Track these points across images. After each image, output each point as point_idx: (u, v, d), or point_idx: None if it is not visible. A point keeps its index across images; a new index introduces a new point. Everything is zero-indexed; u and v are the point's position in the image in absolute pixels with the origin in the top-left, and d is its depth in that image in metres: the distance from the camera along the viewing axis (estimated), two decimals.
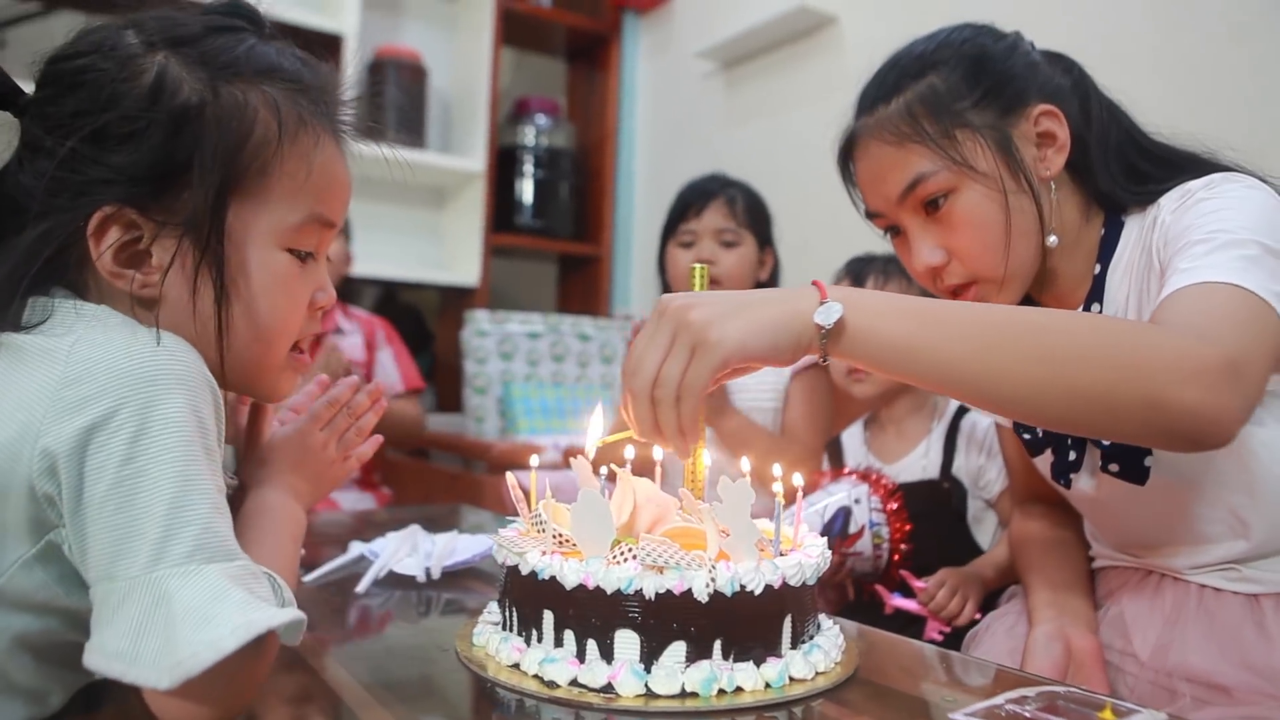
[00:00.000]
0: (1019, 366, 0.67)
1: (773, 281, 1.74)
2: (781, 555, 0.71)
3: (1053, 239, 0.90)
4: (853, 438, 1.55)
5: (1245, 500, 0.85)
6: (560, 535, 0.71)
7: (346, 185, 0.69)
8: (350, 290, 2.58)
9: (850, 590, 1.48)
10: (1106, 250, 0.92)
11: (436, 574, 0.95)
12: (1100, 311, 0.91)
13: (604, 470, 0.74)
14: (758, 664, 0.66)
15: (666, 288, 1.75)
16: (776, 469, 0.81)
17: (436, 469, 2.46)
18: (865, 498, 1.37)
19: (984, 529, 1.40)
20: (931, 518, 1.37)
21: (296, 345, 0.70)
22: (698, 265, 0.78)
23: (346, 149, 0.69)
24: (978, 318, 0.70)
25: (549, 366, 2.57)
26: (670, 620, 0.64)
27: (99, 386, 0.52)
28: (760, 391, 1.66)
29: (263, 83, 0.63)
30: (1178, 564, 0.91)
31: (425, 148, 2.83)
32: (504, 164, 3.00)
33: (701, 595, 0.64)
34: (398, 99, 2.75)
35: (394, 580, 0.96)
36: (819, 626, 0.75)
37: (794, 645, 0.69)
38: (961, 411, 1.44)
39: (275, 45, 0.66)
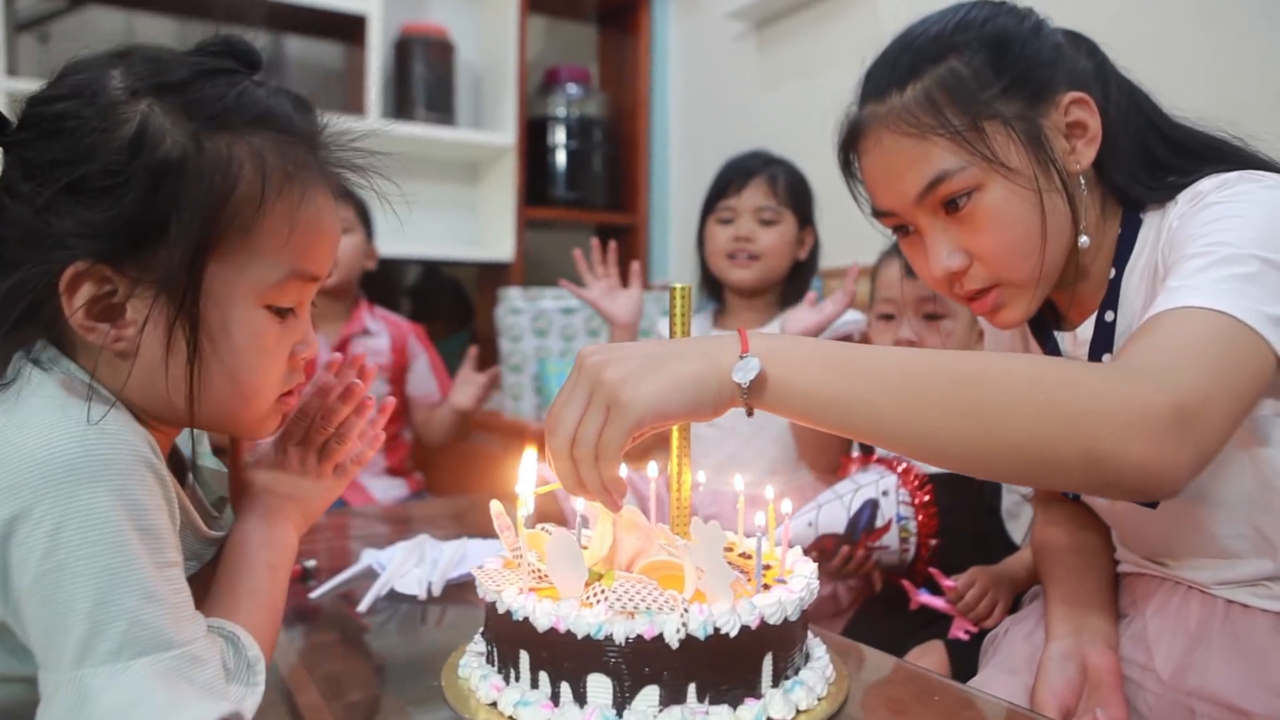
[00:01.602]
0: (948, 422, 0.63)
1: (812, 260, 1.71)
2: (766, 588, 0.69)
3: (1084, 239, 0.84)
4: None
5: (1270, 520, 0.80)
6: (539, 571, 0.70)
7: (334, 235, 0.67)
8: (386, 274, 2.60)
9: (878, 581, 1.45)
10: (1123, 252, 0.85)
11: (437, 591, 0.96)
12: (1115, 319, 0.86)
13: (581, 503, 0.72)
14: (734, 706, 0.65)
15: (704, 262, 1.73)
16: (769, 491, 0.80)
17: (475, 450, 2.48)
18: (894, 489, 1.33)
19: (1019, 524, 1.35)
20: (962, 511, 1.32)
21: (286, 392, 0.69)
22: (678, 286, 0.76)
23: (338, 191, 0.67)
24: (906, 369, 0.65)
25: (584, 342, 2.56)
26: (643, 665, 0.63)
27: (17, 477, 0.51)
28: None
29: (250, 133, 0.61)
30: (1203, 578, 0.86)
31: (456, 124, 2.81)
32: (535, 136, 2.96)
33: (673, 641, 0.62)
34: (426, 76, 2.73)
35: (398, 593, 0.97)
36: (807, 658, 0.73)
37: (775, 684, 0.67)
38: None
39: (268, 87, 0.64)
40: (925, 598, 1.24)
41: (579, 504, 0.75)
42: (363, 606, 0.93)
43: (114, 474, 0.53)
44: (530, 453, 0.74)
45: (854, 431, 0.66)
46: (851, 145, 0.88)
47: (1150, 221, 0.84)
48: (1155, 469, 0.61)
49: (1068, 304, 0.91)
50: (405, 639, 0.88)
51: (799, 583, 0.70)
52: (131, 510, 0.54)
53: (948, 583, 1.21)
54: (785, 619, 0.67)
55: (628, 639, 0.62)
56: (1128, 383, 0.62)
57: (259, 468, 0.76)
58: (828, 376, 0.64)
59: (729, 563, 0.76)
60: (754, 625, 0.64)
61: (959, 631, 1.18)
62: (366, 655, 0.86)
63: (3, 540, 0.51)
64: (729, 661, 0.64)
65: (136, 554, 0.53)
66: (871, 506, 1.32)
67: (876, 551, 1.34)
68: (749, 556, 0.79)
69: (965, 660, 1.11)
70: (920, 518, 1.32)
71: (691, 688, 0.64)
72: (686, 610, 0.63)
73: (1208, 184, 0.78)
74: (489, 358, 2.92)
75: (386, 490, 1.96)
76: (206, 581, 0.68)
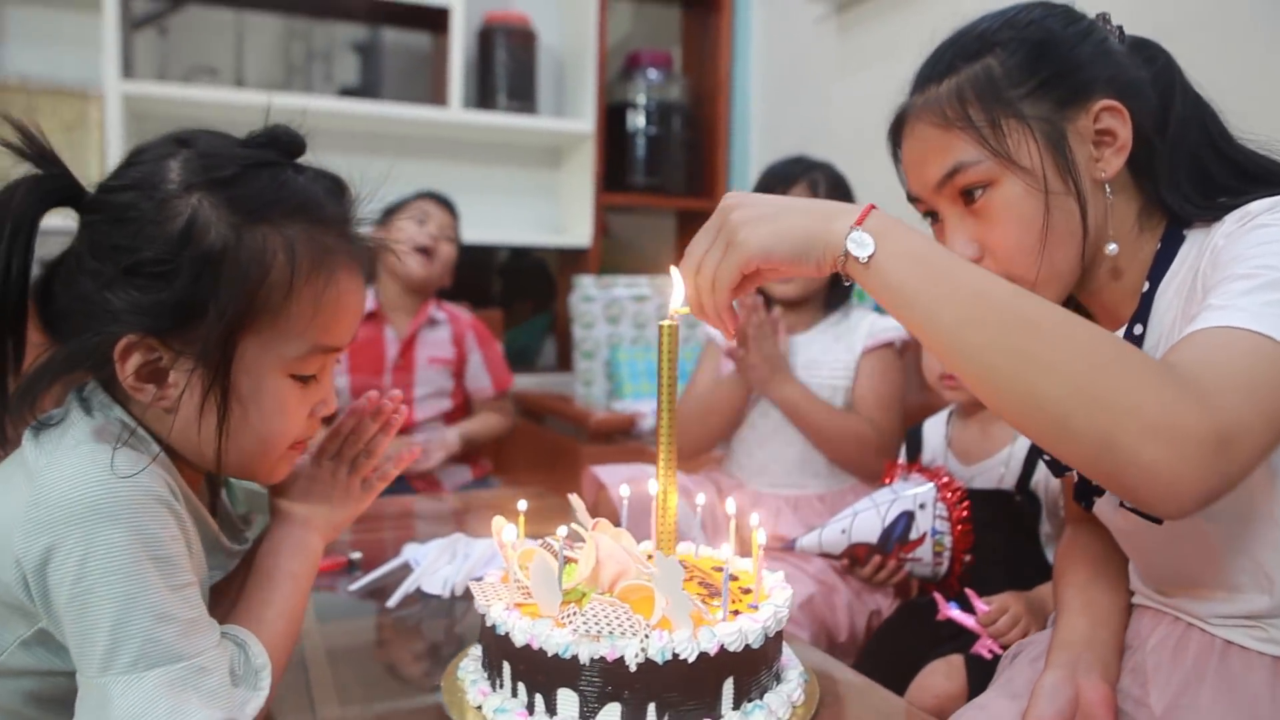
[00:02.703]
0: (991, 354, 0.66)
1: None
2: (736, 614, 0.73)
3: (1112, 246, 0.84)
4: (935, 430, 1.49)
5: (1273, 556, 0.79)
6: (528, 588, 0.76)
7: (357, 309, 0.75)
8: (477, 257, 2.70)
9: (914, 588, 1.46)
10: (1160, 266, 0.84)
11: (459, 591, 1.03)
12: (1144, 333, 0.85)
13: (562, 529, 0.78)
14: None
15: None
16: (730, 505, 0.84)
17: (544, 435, 2.57)
18: (931, 503, 1.33)
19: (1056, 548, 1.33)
20: (999, 530, 1.31)
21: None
22: (664, 324, 0.79)
23: (365, 264, 0.75)
24: (981, 291, 0.68)
25: (655, 330, 2.60)
26: (606, 684, 0.68)
27: (52, 514, 0.61)
28: (833, 370, 1.64)
29: (286, 224, 0.69)
30: (1202, 611, 0.85)
31: (537, 112, 2.87)
32: (615, 121, 3.00)
33: (631, 664, 0.67)
34: (508, 65, 2.79)
35: (425, 591, 1.05)
36: (778, 679, 0.76)
37: (736, 706, 0.71)
38: None
39: (307, 174, 0.72)
40: (954, 613, 1.24)
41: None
42: (392, 602, 1.01)
43: (131, 513, 0.62)
44: (676, 271, 0.81)
45: (913, 327, 0.71)
46: (897, 133, 0.92)
47: (1193, 239, 0.83)
48: (1169, 481, 0.61)
49: (1099, 313, 0.91)
50: (422, 637, 0.96)
51: (766, 611, 0.74)
52: (147, 543, 0.62)
53: (981, 606, 1.21)
54: (746, 646, 0.71)
55: (592, 659, 0.68)
56: (1174, 388, 0.63)
57: (295, 479, 0.84)
58: (915, 270, 0.70)
59: (709, 583, 0.80)
60: (713, 652, 0.69)
61: (983, 650, 1.18)
62: (383, 650, 0.94)
63: (42, 566, 0.61)
64: (688, 684, 0.69)
65: (151, 580, 0.62)
66: (907, 518, 1.33)
67: (909, 563, 1.35)
68: (735, 578, 0.83)
69: (983, 678, 1.11)
70: (956, 533, 1.32)
71: (651, 707, 0.68)
72: (647, 636, 0.68)
73: (1258, 205, 0.76)
74: (564, 343, 3.00)
75: (452, 476, 2.07)
76: (233, 585, 0.77)
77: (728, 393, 1.65)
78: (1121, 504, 0.86)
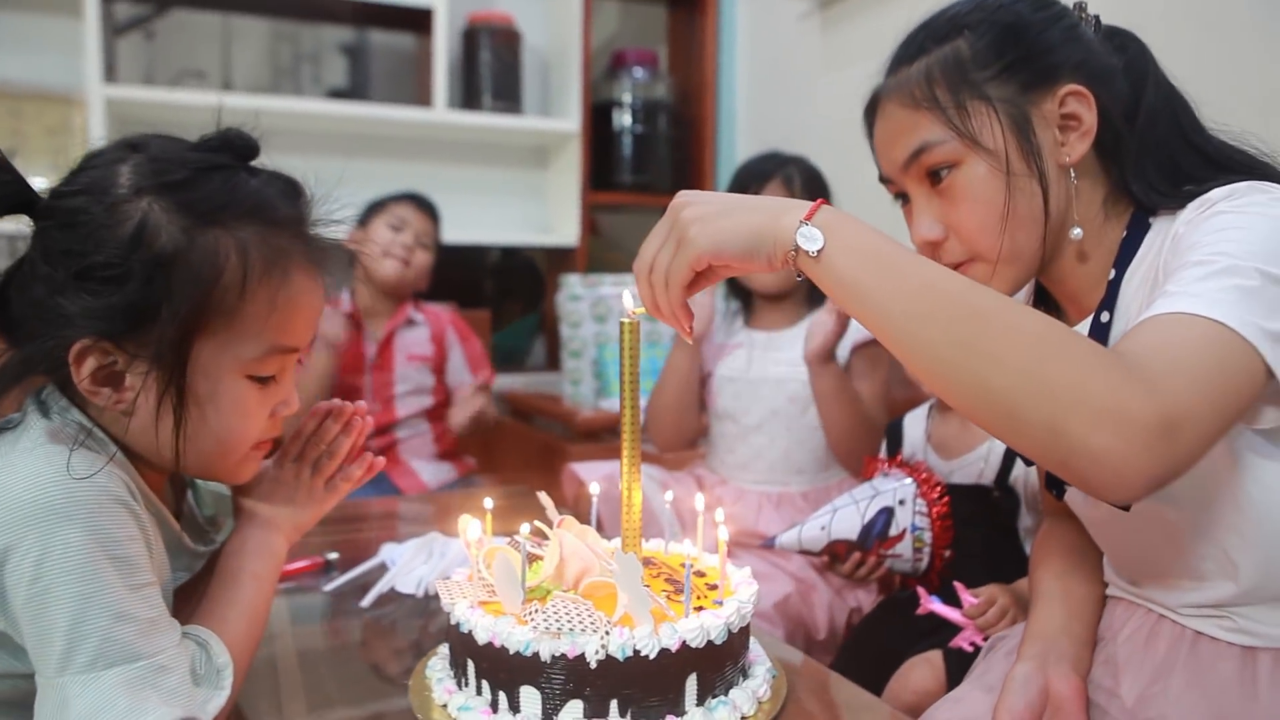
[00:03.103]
0: (941, 347, 0.67)
1: None
2: (700, 610, 0.73)
3: (1077, 231, 0.85)
4: (915, 425, 1.49)
5: (1237, 541, 0.79)
6: (492, 586, 0.76)
7: (314, 309, 0.75)
8: (466, 257, 2.71)
9: (896, 581, 1.46)
10: (1126, 254, 0.85)
11: (433, 590, 1.03)
12: (1110, 321, 0.85)
13: (525, 527, 0.78)
14: None
15: None
16: (699, 500, 0.84)
17: (532, 434, 2.57)
18: (911, 499, 1.34)
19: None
20: (978, 525, 1.31)
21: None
22: (626, 320, 0.79)
23: (323, 264, 0.75)
24: (930, 283, 0.68)
25: (643, 328, 2.60)
26: (567, 681, 0.68)
27: (8, 516, 0.61)
28: None
29: (239, 226, 0.69)
30: (1172, 601, 0.86)
31: (522, 112, 2.87)
32: (601, 120, 3.00)
33: (592, 661, 0.67)
34: (492, 65, 2.79)
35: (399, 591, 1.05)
36: (745, 675, 0.77)
37: (700, 702, 0.71)
38: None
39: (260, 177, 0.72)
40: (937, 606, 1.24)
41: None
42: (366, 602, 1.01)
43: (88, 513, 0.62)
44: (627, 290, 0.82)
45: (864, 320, 0.71)
46: (871, 115, 0.94)
47: (1159, 227, 0.83)
48: (1117, 468, 0.62)
49: (1065, 300, 0.91)
50: (395, 637, 0.96)
51: (729, 607, 0.74)
52: (104, 543, 0.62)
53: (969, 598, 1.21)
54: (709, 642, 0.71)
55: (553, 656, 0.68)
56: (1119, 374, 0.63)
57: (259, 481, 0.84)
58: (865, 265, 0.70)
59: (676, 580, 0.80)
60: (674, 648, 0.69)
61: (964, 643, 1.18)
62: (356, 650, 0.94)
63: None
64: (650, 680, 0.69)
65: (108, 580, 0.62)
66: (887, 514, 1.33)
67: (889, 559, 1.35)
68: (701, 574, 0.83)
69: (963, 673, 1.11)
70: (936, 529, 1.33)
71: (614, 704, 0.69)
72: (608, 633, 0.68)
73: (1218, 193, 0.77)
74: (552, 342, 3.00)
75: (435, 474, 2.07)
76: (198, 587, 0.77)
77: (680, 361, 1.65)
78: None
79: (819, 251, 0.70)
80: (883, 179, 0.92)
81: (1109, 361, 0.64)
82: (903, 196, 0.91)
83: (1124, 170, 0.84)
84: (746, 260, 0.73)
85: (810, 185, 1.65)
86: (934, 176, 0.85)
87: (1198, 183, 0.81)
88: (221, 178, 0.69)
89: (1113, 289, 0.85)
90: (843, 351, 1.63)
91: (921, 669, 1.14)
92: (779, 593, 1.40)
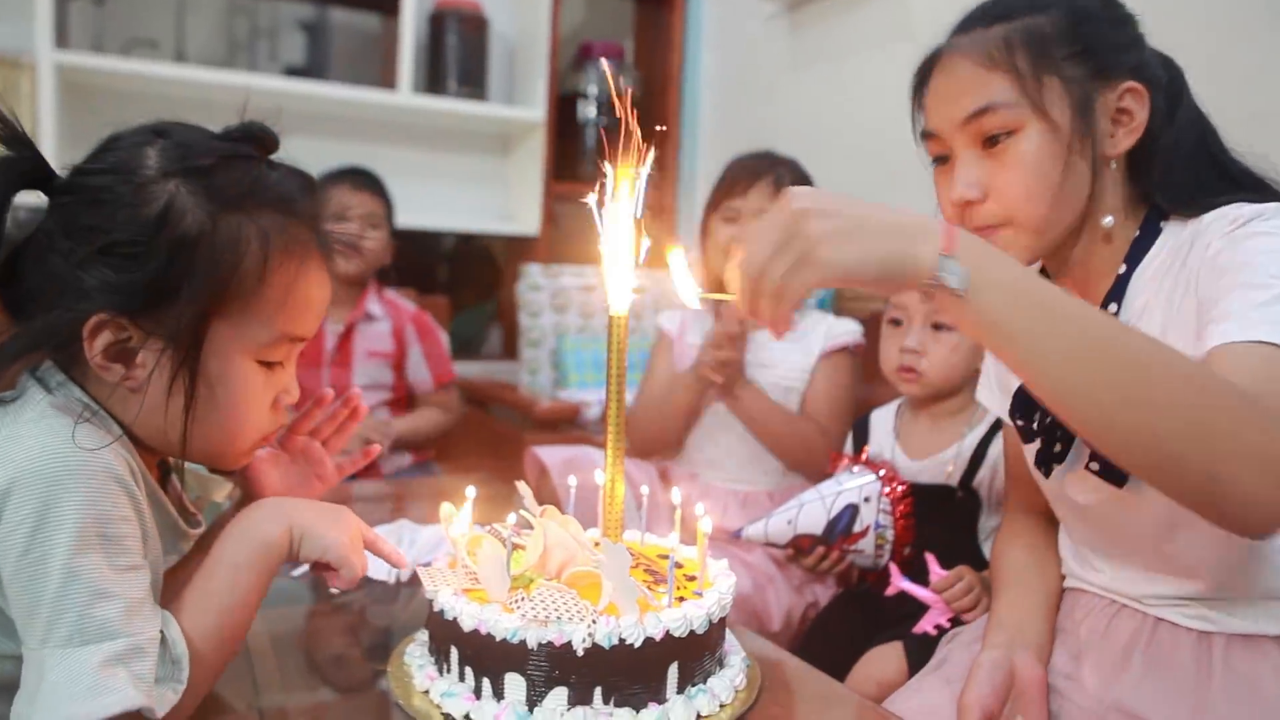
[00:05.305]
0: (1098, 392, 0.67)
1: None
2: (681, 601, 0.75)
3: (1109, 219, 0.89)
4: (882, 421, 1.52)
5: (1203, 538, 0.83)
6: (475, 573, 0.77)
7: (323, 301, 0.77)
8: (423, 243, 2.68)
9: (855, 575, 1.49)
10: (1137, 252, 0.90)
11: (405, 577, 1.03)
12: (1118, 312, 0.89)
13: (511, 517, 0.78)
14: (637, 709, 0.71)
15: (704, 257, 1.75)
16: (676, 494, 0.85)
17: (488, 422, 2.56)
18: (875, 496, 1.36)
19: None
20: (939, 524, 1.35)
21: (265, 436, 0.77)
22: (614, 314, 0.80)
23: (332, 260, 0.77)
24: (1086, 328, 0.68)
25: (604, 319, 2.60)
26: (553, 668, 0.69)
27: (9, 480, 0.61)
28: (788, 371, 1.66)
29: (260, 214, 0.70)
30: (1137, 590, 0.90)
31: (488, 99, 2.85)
32: (566, 111, 3.00)
33: (579, 649, 0.68)
34: (459, 50, 2.77)
35: (370, 577, 1.04)
36: (722, 664, 0.78)
37: (680, 690, 0.73)
38: (998, 426, 1.34)
39: (280, 170, 0.73)
40: (906, 585, 1.27)
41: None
42: (335, 588, 1.00)
43: (88, 489, 0.62)
44: (678, 252, 0.80)
45: (1010, 361, 0.71)
46: (926, 72, 0.94)
47: (1170, 231, 0.88)
48: (1267, 503, 0.65)
49: (1071, 285, 0.94)
50: (367, 623, 0.96)
51: (710, 598, 0.76)
52: (99, 520, 0.62)
53: (938, 569, 1.25)
54: (691, 632, 0.72)
55: (539, 644, 0.69)
56: (1267, 418, 0.66)
57: (262, 465, 0.85)
58: (1016, 305, 0.69)
59: (655, 570, 0.82)
60: (659, 637, 0.70)
61: (929, 626, 1.21)
62: (328, 636, 0.94)
63: None
64: (633, 669, 0.70)
65: (95, 559, 0.62)
66: (852, 511, 1.36)
67: (851, 554, 1.38)
68: (680, 565, 0.85)
69: (922, 664, 1.15)
70: (899, 527, 1.36)
71: (598, 691, 0.70)
72: (595, 621, 0.69)
73: (1249, 210, 0.81)
74: (511, 331, 2.99)
75: (392, 461, 2.05)
76: (186, 569, 0.76)
77: (685, 393, 1.65)
78: (1093, 470, 0.89)
79: (964, 287, 0.68)
80: (926, 134, 0.93)
81: (1249, 403, 0.67)
82: (940, 159, 0.92)
83: (1149, 174, 0.89)
84: (878, 286, 0.71)
85: None
86: (990, 141, 0.87)
87: (1213, 194, 0.86)
88: (245, 167, 0.71)
89: (1122, 283, 0.89)
90: (810, 358, 1.65)
91: (882, 660, 1.18)
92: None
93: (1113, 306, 0.89)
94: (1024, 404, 0.96)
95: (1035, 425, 0.97)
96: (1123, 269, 0.89)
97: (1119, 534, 0.92)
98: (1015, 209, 0.86)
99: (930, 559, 1.27)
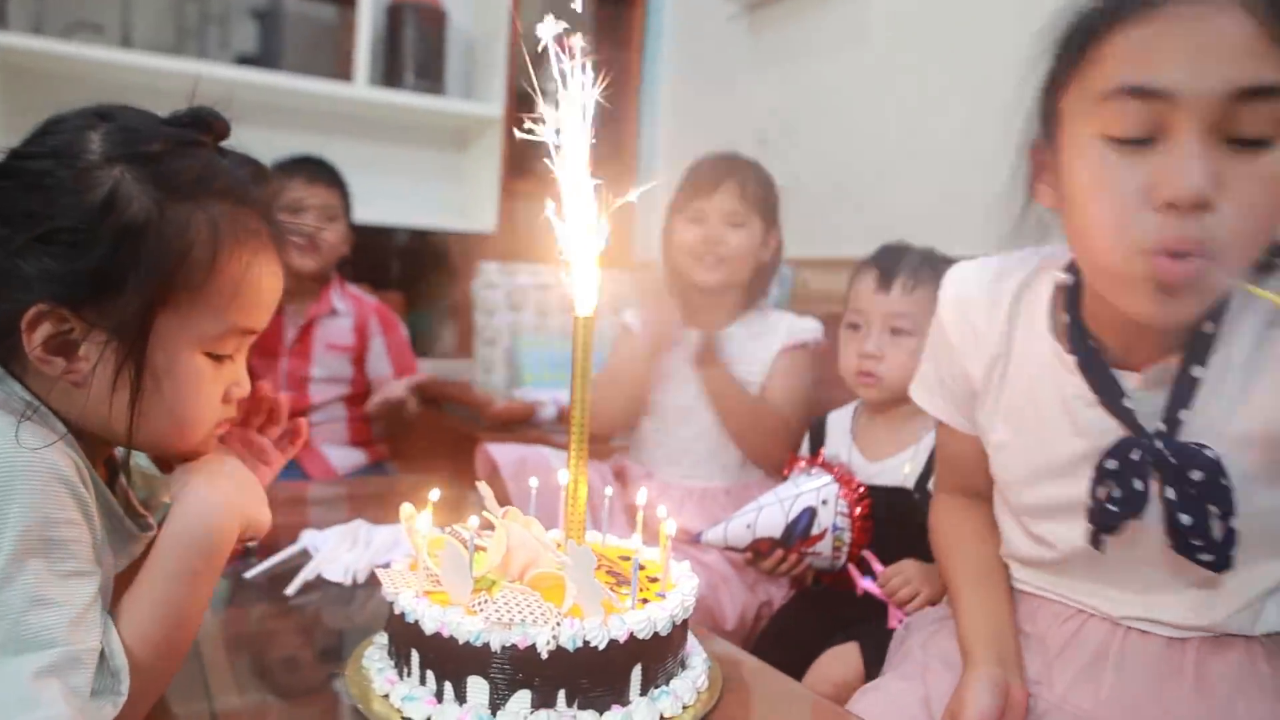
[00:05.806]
0: None
1: (775, 260, 1.73)
2: (645, 603, 0.75)
3: None
4: (839, 423, 1.53)
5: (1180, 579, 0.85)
6: (436, 575, 0.76)
7: (275, 293, 0.74)
8: (376, 239, 2.63)
9: (810, 576, 1.51)
10: (1219, 308, 0.78)
11: (361, 578, 1.01)
12: (1198, 379, 0.80)
13: (474, 519, 0.78)
14: (600, 712, 0.70)
15: (668, 257, 1.74)
16: (641, 495, 0.84)
17: (442, 421, 2.53)
18: (834, 499, 1.37)
19: None
20: (897, 525, 1.36)
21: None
22: (580, 316, 0.80)
23: (286, 251, 0.74)
24: None
25: (559, 319, 2.60)
26: (516, 671, 0.69)
27: None
28: (749, 367, 1.67)
29: (210, 203, 0.67)
30: (1108, 610, 0.90)
31: (445, 93, 2.82)
32: (525, 107, 2.97)
33: (543, 651, 0.68)
34: (416, 43, 2.73)
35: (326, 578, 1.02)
36: (684, 666, 0.78)
37: (644, 692, 0.73)
38: None
39: (231, 158, 0.71)
40: (868, 585, 1.29)
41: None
42: (290, 590, 0.99)
43: (30, 490, 0.59)
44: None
45: None
46: (1124, 11, 0.70)
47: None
48: None
49: (1136, 339, 0.82)
50: (322, 626, 0.94)
51: (674, 599, 0.76)
52: (41, 523, 0.59)
53: (878, 566, 1.27)
54: (655, 634, 0.72)
55: (503, 647, 0.68)
56: None
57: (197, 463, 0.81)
58: None
59: (617, 572, 0.82)
60: (623, 639, 0.70)
61: (894, 622, 1.22)
62: (283, 639, 0.92)
63: None
64: (597, 671, 0.70)
65: (35, 564, 0.59)
66: (810, 514, 1.37)
67: (809, 556, 1.39)
68: (643, 567, 0.85)
69: (878, 664, 1.16)
70: (855, 529, 1.37)
71: (562, 694, 0.69)
72: (559, 623, 0.69)
73: None
74: (465, 329, 2.96)
75: (345, 459, 2.02)
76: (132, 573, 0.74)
77: (630, 357, 1.66)
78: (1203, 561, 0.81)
79: None
80: (1132, 89, 0.69)
81: None
82: (1136, 141, 0.70)
83: None
84: None
85: (763, 191, 1.67)
86: (1247, 144, 0.66)
87: None
88: (194, 154, 0.68)
89: (1204, 341, 0.79)
90: (770, 353, 1.66)
91: (838, 660, 1.19)
92: None
93: (1195, 369, 0.80)
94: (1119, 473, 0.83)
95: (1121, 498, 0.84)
96: (1209, 327, 0.79)
97: (1108, 564, 0.89)
98: (1246, 243, 0.67)
99: (870, 556, 1.29)
